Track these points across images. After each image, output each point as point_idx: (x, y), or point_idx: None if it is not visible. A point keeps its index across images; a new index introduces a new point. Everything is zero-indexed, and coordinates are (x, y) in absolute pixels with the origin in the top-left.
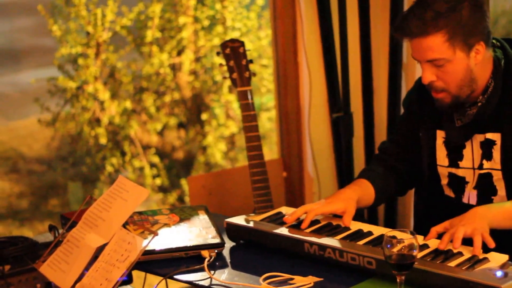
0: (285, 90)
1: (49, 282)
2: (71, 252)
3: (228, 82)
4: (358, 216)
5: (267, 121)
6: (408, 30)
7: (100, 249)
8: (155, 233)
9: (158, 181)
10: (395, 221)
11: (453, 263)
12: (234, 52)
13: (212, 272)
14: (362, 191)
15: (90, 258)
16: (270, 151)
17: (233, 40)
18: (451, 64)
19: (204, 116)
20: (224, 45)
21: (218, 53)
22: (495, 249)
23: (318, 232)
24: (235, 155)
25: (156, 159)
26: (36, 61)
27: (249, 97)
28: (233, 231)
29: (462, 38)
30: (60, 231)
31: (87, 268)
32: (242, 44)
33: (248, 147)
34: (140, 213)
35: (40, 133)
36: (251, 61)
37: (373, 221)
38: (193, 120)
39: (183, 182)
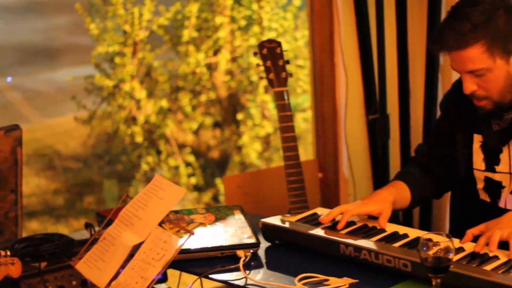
0: (322, 91)
1: (85, 280)
2: (107, 250)
3: (264, 82)
4: (393, 218)
5: (302, 122)
6: (446, 44)
7: (136, 248)
8: (191, 232)
9: (193, 180)
10: (430, 224)
11: (489, 267)
12: (271, 52)
13: (247, 272)
14: (398, 193)
15: (126, 256)
16: (305, 152)
17: (270, 41)
18: (491, 73)
19: (239, 116)
20: (261, 45)
21: (255, 54)
22: None
23: (354, 234)
24: (270, 155)
25: (191, 158)
26: (73, 59)
27: (286, 97)
28: (269, 231)
29: (501, 46)
30: (96, 228)
31: (122, 266)
32: (279, 44)
33: (284, 147)
34: (176, 212)
35: (76, 130)
36: (288, 62)
37: (408, 223)
38: (228, 120)
39: (218, 182)
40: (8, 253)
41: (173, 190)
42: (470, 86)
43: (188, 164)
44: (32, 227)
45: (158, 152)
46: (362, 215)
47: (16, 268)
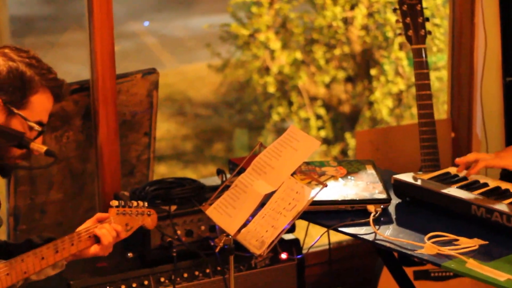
0: (459, 50)
1: (214, 225)
2: (239, 197)
3: (399, 39)
4: None
5: (436, 81)
6: None
7: (267, 197)
8: (324, 184)
9: (322, 133)
10: None
11: None
12: (411, 9)
13: (377, 227)
14: None
15: (257, 204)
16: (436, 111)
17: None
18: None
19: (372, 72)
20: (401, 2)
21: (394, 9)
22: None
23: (486, 195)
24: (401, 112)
25: (322, 111)
26: (208, 7)
27: (423, 55)
28: (400, 188)
29: None
30: (228, 175)
31: (252, 215)
32: (419, 1)
33: (419, 105)
34: (307, 163)
35: (209, 78)
36: (427, 19)
37: None
38: (361, 75)
39: (347, 136)
40: (146, 204)
41: (307, 141)
42: None
43: (318, 117)
44: (161, 171)
45: (290, 103)
46: (496, 167)
47: (152, 219)
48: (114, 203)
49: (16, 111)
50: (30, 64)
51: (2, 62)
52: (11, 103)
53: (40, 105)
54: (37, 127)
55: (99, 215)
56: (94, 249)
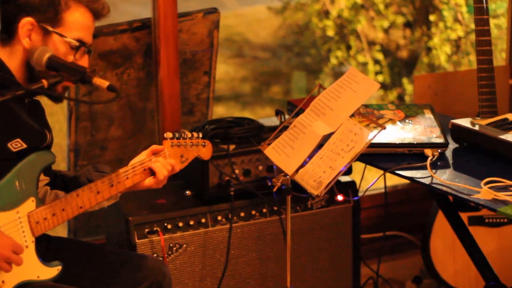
0: None
1: (271, 166)
2: (297, 137)
3: None
4: None
5: (494, 28)
6: None
7: (325, 138)
8: (382, 127)
9: (380, 78)
10: None
11: None
12: None
13: (434, 171)
14: None
15: (315, 145)
16: (494, 59)
17: None
18: None
19: (431, 18)
20: None
21: None
22: None
23: None
24: (458, 59)
25: (380, 56)
26: None
27: (484, 0)
28: (458, 133)
29: None
30: (287, 116)
31: (310, 156)
32: None
33: (478, 51)
34: (366, 106)
35: (268, 20)
36: None
37: None
38: (420, 21)
39: (404, 81)
40: (200, 135)
41: (367, 83)
42: None
43: (376, 62)
44: (219, 111)
45: (348, 47)
46: None
47: (207, 150)
48: (169, 135)
49: (51, 28)
50: None
51: None
52: (45, 22)
53: (76, 21)
54: (74, 42)
55: (154, 147)
56: (149, 182)
